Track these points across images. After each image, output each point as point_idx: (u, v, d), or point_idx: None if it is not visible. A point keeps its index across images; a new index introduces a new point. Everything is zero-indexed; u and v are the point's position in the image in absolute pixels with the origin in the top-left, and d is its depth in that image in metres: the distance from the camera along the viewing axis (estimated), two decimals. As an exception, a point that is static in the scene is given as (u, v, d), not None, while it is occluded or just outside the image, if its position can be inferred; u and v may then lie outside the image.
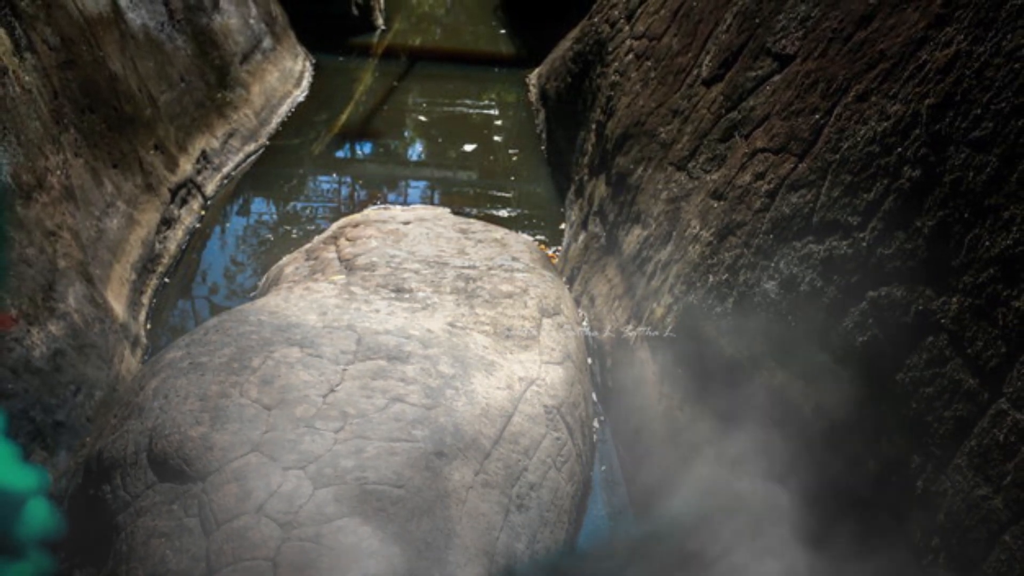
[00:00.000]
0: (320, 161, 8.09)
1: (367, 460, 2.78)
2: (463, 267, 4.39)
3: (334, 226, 5.26)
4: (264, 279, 5.12)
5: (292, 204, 7.20)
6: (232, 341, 3.33)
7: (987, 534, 1.91)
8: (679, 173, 4.17)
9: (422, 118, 9.56)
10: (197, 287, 5.76)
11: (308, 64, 10.09)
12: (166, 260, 5.56)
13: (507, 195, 7.58)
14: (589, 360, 4.61)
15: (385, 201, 7.34)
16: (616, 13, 6.69)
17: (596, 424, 4.31)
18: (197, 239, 6.11)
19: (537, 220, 7.06)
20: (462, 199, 7.47)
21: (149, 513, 2.65)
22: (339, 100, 9.42)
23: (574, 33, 8.30)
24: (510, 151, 8.56)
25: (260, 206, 7.10)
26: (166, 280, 5.48)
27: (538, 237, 6.39)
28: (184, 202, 6.14)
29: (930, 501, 2.11)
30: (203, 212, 6.39)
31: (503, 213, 7.07)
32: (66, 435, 3.54)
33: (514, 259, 4.62)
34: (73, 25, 5.04)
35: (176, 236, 5.83)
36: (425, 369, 3.31)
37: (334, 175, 7.98)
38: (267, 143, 7.96)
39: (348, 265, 4.43)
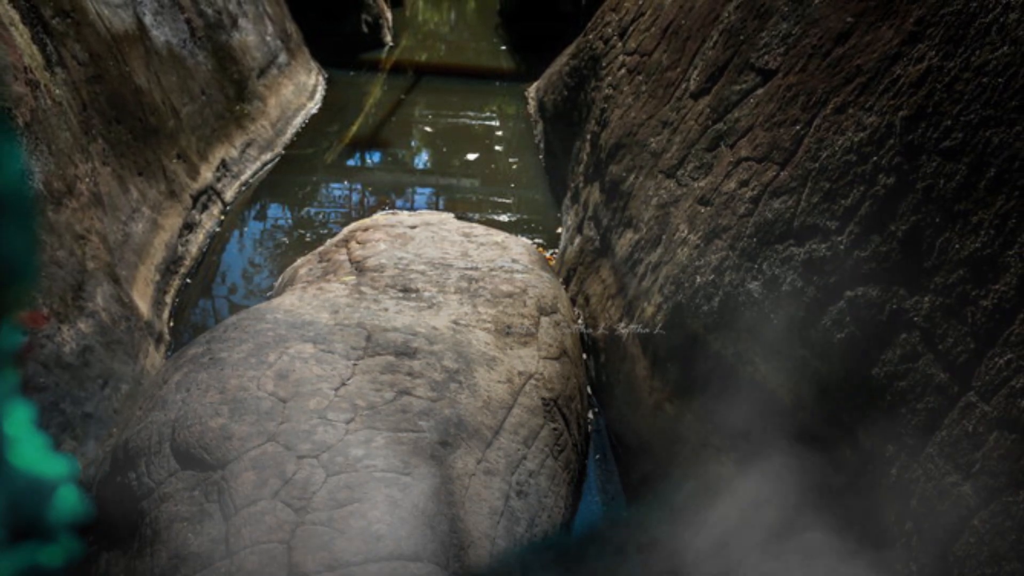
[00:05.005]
0: (332, 169, 8.09)
1: (376, 449, 2.78)
2: (466, 268, 4.39)
3: (345, 230, 5.26)
4: (280, 280, 5.12)
5: (306, 210, 7.19)
6: (250, 338, 3.33)
7: (957, 519, 1.91)
8: (668, 180, 4.17)
9: (428, 129, 9.56)
10: (217, 287, 5.76)
11: (321, 78, 10.08)
12: (188, 262, 5.56)
13: (507, 201, 7.58)
14: (584, 355, 4.61)
15: (393, 207, 7.34)
16: (609, 31, 6.69)
17: (591, 416, 4.31)
18: (217, 242, 6.11)
19: (536, 224, 7.06)
20: (465, 205, 7.47)
21: (172, 499, 2.65)
22: (350, 112, 9.42)
23: (570, 49, 8.29)
24: (510, 160, 8.56)
25: (276, 211, 7.10)
26: (188, 281, 5.48)
27: (536, 240, 6.39)
28: (205, 208, 6.14)
29: (903, 488, 2.11)
30: (223, 217, 6.39)
31: (504, 218, 7.07)
32: (94, 426, 3.54)
33: (514, 261, 4.62)
34: (101, 42, 5.04)
35: (197, 240, 5.83)
36: (431, 364, 3.30)
37: (345, 182, 7.98)
38: (283, 152, 7.96)
39: (358, 267, 4.43)
